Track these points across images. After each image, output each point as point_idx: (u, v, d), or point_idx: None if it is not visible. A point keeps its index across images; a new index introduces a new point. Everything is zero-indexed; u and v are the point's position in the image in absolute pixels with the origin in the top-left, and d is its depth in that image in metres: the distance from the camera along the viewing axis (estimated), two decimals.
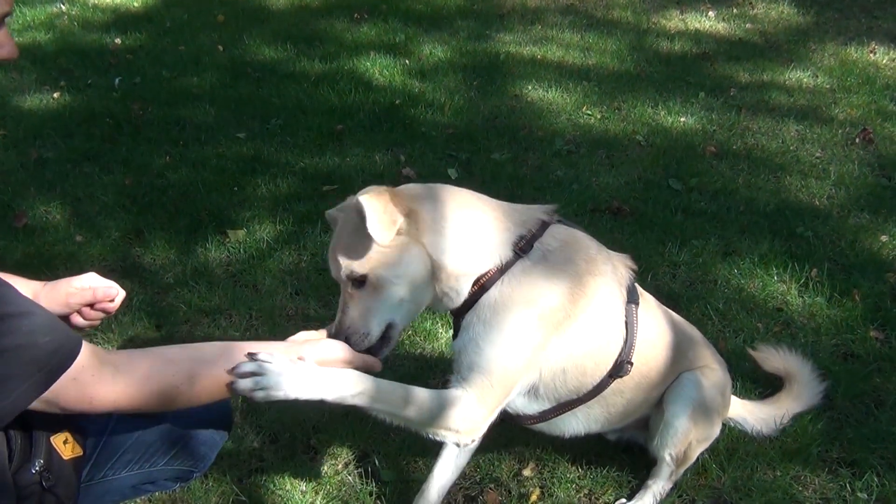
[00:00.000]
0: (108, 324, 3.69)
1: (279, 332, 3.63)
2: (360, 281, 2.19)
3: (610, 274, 2.44)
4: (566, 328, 2.35)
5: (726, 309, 3.76)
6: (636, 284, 2.53)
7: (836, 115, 5.77)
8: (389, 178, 4.86)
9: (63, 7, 7.84)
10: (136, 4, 8.02)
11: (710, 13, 8.05)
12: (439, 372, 3.43)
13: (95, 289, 2.23)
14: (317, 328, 3.65)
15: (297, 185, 4.81)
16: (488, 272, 2.27)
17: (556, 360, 2.39)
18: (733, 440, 3.03)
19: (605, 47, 7.12)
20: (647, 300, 2.62)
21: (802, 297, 3.86)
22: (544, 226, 2.35)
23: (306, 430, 3.10)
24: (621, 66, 6.78)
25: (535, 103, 5.98)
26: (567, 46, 7.13)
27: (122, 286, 3.90)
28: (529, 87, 6.22)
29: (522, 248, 2.29)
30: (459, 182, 4.81)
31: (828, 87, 6.28)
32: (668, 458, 2.75)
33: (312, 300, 3.85)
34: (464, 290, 2.29)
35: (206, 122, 5.56)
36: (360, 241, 2.16)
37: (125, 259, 4.16)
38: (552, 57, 6.87)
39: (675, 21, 7.87)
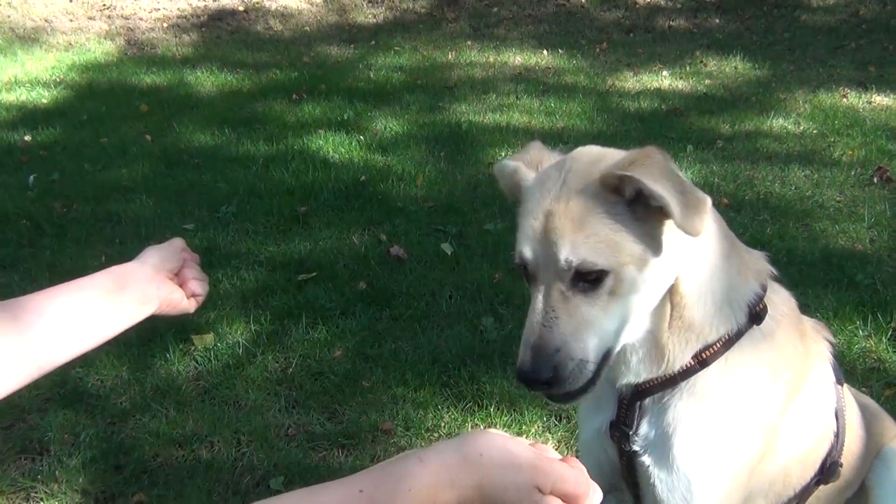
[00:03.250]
0: (49, 469, 2.80)
1: (279, 457, 2.82)
2: (592, 279, 1.46)
3: (820, 354, 1.80)
4: (782, 430, 1.68)
5: None
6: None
7: (840, 157, 5.35)
8: (375, 258, 4.14)
9: None
10: (44, 101, 7.19)
11: (664, 73, 7.73)
12: None
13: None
14: (327, 448, 2.88)
15: (266, 277, 4.01)
16: (718, 341, 1.58)
17: (767, 473, 1.70)
18: None
19: (569, 110, 6.63)
20: None
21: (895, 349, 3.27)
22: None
23: None
24: (592, 126, 6.28)
25: None
26: (530, 112, 6.62)
27: (63, 417, 3.07)
28: (503, 154, 5.63)
29: (758, 314, 1.61)
30: (458, 259, 4.18)
31: (816, 132, 5.89)
32: None
33: (315, 413, 3.04)
34: (683, 354, 1.59)
35: (145, 216, 4.74)
36: (611, 219, 1.47)
37: (63, 384, 3.26)
38: (517, 123, 6.33)
39: (631, 82, 7.50)
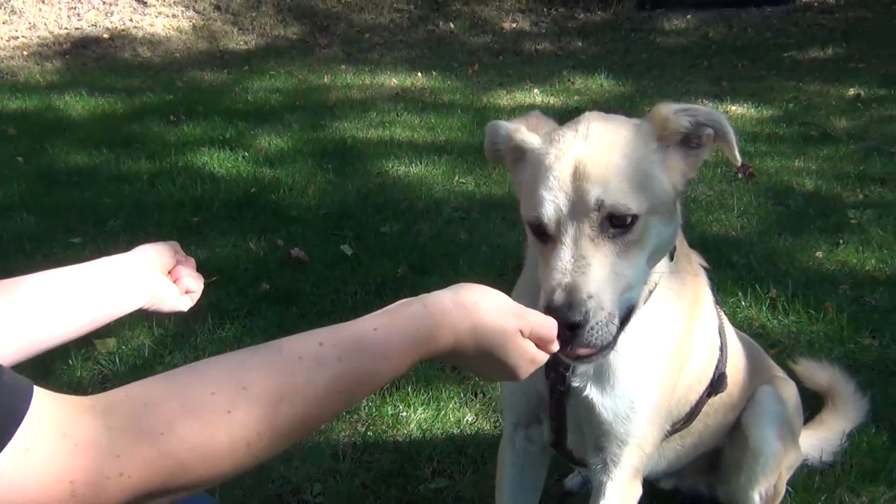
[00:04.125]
0: None
1: None
2: (623, 224, 1.45)
3: (703, 277, 1.95)
4: (689, 347, 1.83)
5: None
6: None
7: (705, 159, 5.73)
8: (275, 262, 4.14)
9: None
10: None
11: (535, 90, 8.07)
12: (424, 459, 2.72)
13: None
14: None
15: None
16: (655, 283, 1.68)
17: (679, 390, 1.85)
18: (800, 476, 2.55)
19: (450, 124, 6.83)
20: None
21: (777, 318, 3.54)
22: None
23: None
24: (473, 139, 6.48)
25: (403, 179, 5.50)
26: (411, 127, 6.78)
27: None
28: (390, 165, 5.75)
29: (672, 251, 1.70)
30: (359, 259, 4.24)
31: None
32: (757, 498, 2.19)
33: None
34: (641, 304, 1.63)
35: (28, 232, 4.57)
36: (645, 163, 1.49)
37: None
38: (401, 137, 6.47)
39: (505, 99, 7.80)
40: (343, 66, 9.32)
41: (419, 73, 8.88)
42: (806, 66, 8.90)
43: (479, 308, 1.23)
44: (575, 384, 1.76)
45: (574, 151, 1.48)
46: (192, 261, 1.73)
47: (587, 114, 1.60)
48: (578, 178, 1.45)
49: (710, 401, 2.01)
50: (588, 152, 1.47)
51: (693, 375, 1.90)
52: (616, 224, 1.44)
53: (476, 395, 3.06)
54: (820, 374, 2.78)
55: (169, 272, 1.67)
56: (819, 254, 4.13)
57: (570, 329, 1.37)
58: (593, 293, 1.39)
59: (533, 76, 8.70)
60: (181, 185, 5.23)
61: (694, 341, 1.85)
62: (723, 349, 1.96)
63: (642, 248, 1.48)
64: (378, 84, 8.49)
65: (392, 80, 8.62)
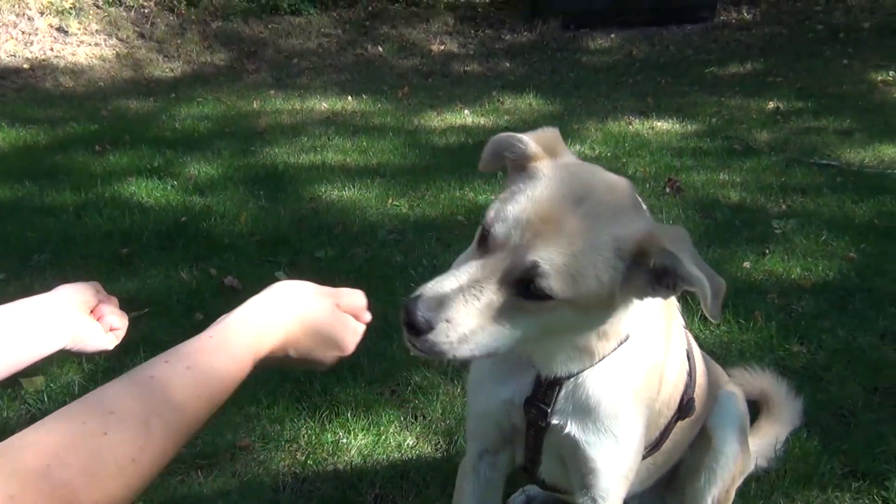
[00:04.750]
0: None
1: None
2: (533, 291, 1.40)
3: (672, 301, 1.95)
4: (663, 377, 1.84)
5: None
6: None
7: (634, 173, 5.86)
8: (209, 291, 4.08)
9: None
10: None
11: (465, 111, 8.13)
12: (366, 485, 2.69)
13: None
14: (184, 471, 2.81)
15: None
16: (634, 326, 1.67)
17: (653, 416, 1.86)
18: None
19: (382, 147, 6.83)
20: None
21: (708, 329, 3.62)
22: None
23: None
24: (405, 161, 6.51)
25: (336, 203, 5.47)
26: (343, 151, 6.75)
27: None
28: (323, 190, 5.71)
29: None
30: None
31: (610, 154, 6.42)
32: (710, 502, 2.22)
33: None
34: (610, 347, 1.64)
35: None
36: (602, 264, 1.41)
37: None
38: (333, 161, 6.44)
39: (436, 121, 7.83)
40: (272, 92, 9.26)
41: (349, 97, 8.87)
42: (727, 82, 9.16)
43: (296, 296, 1.38)
44: (555, 421, 1.74)
45: (560, 204, 1.44)
46: (115, 299, 1.74)
47: (606, 176, 1.57)
48: (541, 230, 1.40)
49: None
50: (569, 217, 1.42)
51: (664, 402, 1.90)
52: (531, 291, 1.40)
53: (416, 419, 3.05)
54: (753, 381, 2.84)
55: (91, 311, 1.66)
56: (747, 264, 4.24)
57: (408, 326, 1.40)
58: (452, 320, 1.39)
59: (463, 97, 8.77)
60: (109, 216, 5.11)
61: (666, 369, 1.85)
62: (691, 374, 1.96)
63: (538, 323, 1.45)
64: (308, 109, 8.45)
65: (322, 105, 8.60)
